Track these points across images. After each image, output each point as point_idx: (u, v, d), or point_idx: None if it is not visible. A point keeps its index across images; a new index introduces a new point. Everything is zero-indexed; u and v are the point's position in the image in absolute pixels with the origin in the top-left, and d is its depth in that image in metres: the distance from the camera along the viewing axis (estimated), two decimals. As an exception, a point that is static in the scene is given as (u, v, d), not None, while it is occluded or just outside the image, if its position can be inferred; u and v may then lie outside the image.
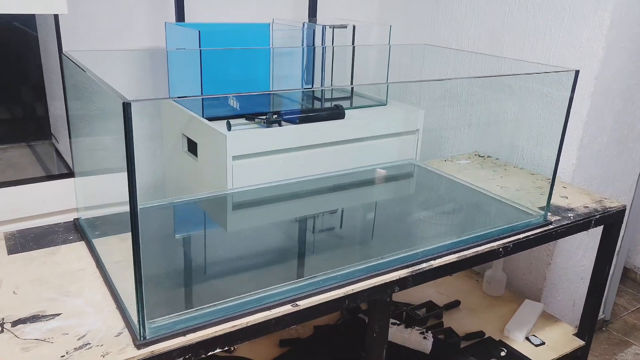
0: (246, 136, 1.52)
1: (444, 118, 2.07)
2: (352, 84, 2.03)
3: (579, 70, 1.28)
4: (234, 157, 1.48)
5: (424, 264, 1.17)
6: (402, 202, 1.61)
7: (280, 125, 1.61)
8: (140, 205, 0.80)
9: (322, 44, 1.97)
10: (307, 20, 2.03)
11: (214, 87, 1.86)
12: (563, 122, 1.32)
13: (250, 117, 1.63)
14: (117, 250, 1.04)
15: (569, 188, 1.68)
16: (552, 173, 1.38)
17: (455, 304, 1.85)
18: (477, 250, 1.25)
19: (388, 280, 1.11)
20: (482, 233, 1.30)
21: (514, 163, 1.96)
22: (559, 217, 1.45)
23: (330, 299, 1.04)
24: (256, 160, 1.55)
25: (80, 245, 1.17)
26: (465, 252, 1.23)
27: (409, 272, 1.14)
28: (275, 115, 1.59)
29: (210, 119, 1.62)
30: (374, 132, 1.74)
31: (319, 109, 1.71)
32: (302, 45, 1.95)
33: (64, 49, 1.37)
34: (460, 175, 1.73)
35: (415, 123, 1.84)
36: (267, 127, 1.59)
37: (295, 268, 1.19)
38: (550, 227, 1.39)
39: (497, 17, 1.89)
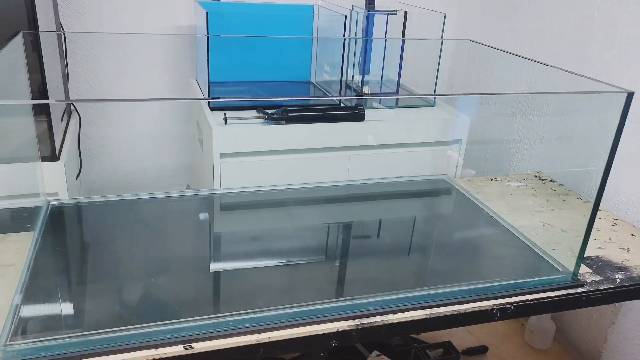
0: (240, 132, 1.37)
1: (505, 129, 1.74)
2: (399, 79, 1.78)
3: (633, 93, 0.94)
4: (222, 155, 1.35)
5: (378, 317, 0.95)
6: (399, 230, 1.33)
7: (287, 122, 1.43)
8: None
9: (368, 31, 1.75)
10: (356, 4, 1.81)
11: (237, 73, 1.74)
12: (610, 146, 1.00)
13: (262, 110, 1.48)
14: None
15: (639, 238, 1.31)
16: (590, 214, 1.06)
17: (481, 350, 1.56)
18: (459, 309, 0.99)
19: (323, 332, 0.91)
20: (476, 287, 1.03)
21: (581, 193, 1.59)
22: (600, 278, 1.12)
23: (237, 345, 0.87)
24: (251, 160, 1.39)
25: None
26: (440, 310, 0.98)
27: (353, 325, 0.93)
28: (280, 112, 1.42)
29: (215, 109, 1.49)
30: (401, 139, 1.49)
31: (334, 106, 1.50)
32: (346, 32, 1.74)
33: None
34: (500, 202, 1.43)
35: (458, 131, 1.55)
36: (271, 124, 1.43)
37: (212, 301, 1.02)
38: (580, 290, 1.07)
39: (586, 6, 1.51)
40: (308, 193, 1.38)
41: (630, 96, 0.94)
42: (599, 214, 1.38)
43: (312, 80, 1.86)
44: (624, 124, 0.96)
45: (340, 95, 1.64)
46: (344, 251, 1.20)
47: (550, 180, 1.60)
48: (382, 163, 1.50)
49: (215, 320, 0.87)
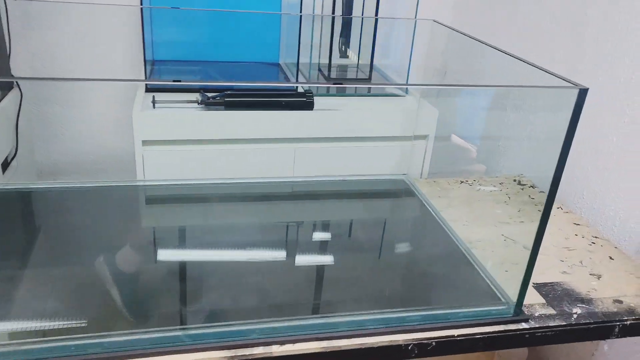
0: (168, 118, 1.23)
1: (485, 125, 1.54)
2: (372, 63, 1.59)
3: (587, 89, 0.75)
4: (146, 142, 1.21)
5: (261, 348, 0.80)
6: (325, 240, 1.14)
7: (225, 108, 1.28)
8: None
9: (347, 10, 1.57)
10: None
11: (195, 51, 1.59)
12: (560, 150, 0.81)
13: (203, 94, 1.33)
14: None
15: (618, 263, 1.10)
16: (537, 229, 0.88)
17: (440, 373, 1.39)
18: (364, 343, 0.83)
19: (188, 363, 0.77)
20: (389, 316, 0.87)
21: (564, 202, 1.39)
22: (553, 312, 0.93)
23: None
24: (182, 149, 1.25)
25: None
26: (341, 342, 0.82)
27: (227, 356, 0.78)
28: (219, 96, 1.26)
29: (153, 90, 1.35)
30: (357, 132, 1.32)
31: (282, 93, 1.34)
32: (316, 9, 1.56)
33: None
34: (463, 209, 1.25)
35: (425, 126, 1.37)
36: (207, 109, 1.28)
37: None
38: (523, 326, 0.89)
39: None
40: (244, 189, 1.23)
41: (583, 92, 0.75)
42: (577, 229, 1.18)
43: (281, 62, 1.69)
44: (576, 123, 0.77)
45: (297, 81, 1.47)
46: (252, 267, 1.04)
47: (531, 187, 1.40)
48: (334, 159, 1.33)
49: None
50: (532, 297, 0.97)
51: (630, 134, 1.20)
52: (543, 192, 1.33)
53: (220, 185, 1.21)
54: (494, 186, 1.39)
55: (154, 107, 1.25)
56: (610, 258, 1.11)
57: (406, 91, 1.52)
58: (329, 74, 1.55)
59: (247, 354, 0.79)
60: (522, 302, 0.90)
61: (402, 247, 1.14)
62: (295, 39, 1.60)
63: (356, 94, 1.53)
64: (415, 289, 0.99)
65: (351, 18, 1.64)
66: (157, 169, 1.23)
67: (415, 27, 1.42)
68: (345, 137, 1.33)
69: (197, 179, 1.20)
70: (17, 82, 1.54)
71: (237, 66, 1.60)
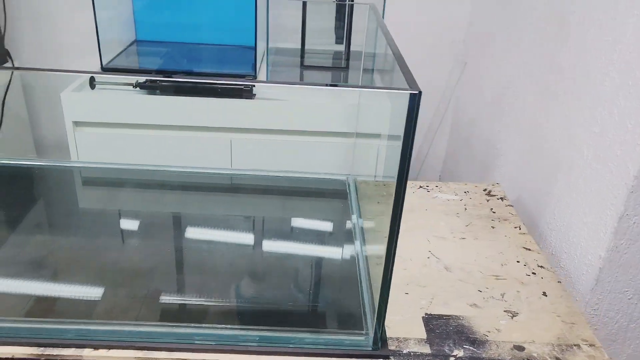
0: (99, 100, 1.22)
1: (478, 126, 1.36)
2: (348, 49, 1.47)
3: (419, 93, 0.60)
4: (77, 124, 1.21)
5: (72, 349, 0.76)
6: (222, 240, 1.06)
7: (161, 93, 1.24)
8: None
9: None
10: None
11: (170, 32, 1.57)
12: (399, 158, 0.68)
13: (155, 76, 1.31)
14: None
15: (550, 301, 0.92)
16: (385, 256, 0.75)
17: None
18: (186, 359, 0.76)
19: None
20: (223, 333, 0.79)
21: (534, 219, 1.20)
22: (427, 351, 0.80)
23: None
24: (115, 132, 1.24)
25: None
26: (158, 355, 0.76)
27: (36, 353, 0.75)
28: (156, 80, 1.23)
29: (109, 70, 1.34)
30: (297, 126, 1.22)
31: (217, 77, 1.27)
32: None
33: None
34: (403, 218, 1.11)
35: (378, 123, 1.24)
36: (142, 93, 1.25)
37: None
38: (378, 363, 0.77)
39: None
40: (173, 177, 1.19)
41: (414, 97, 0.61)
42: (523, 255, 1.01)
43: (271, 45, 1.62)
44: (410, 128, 0.63)
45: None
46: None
47: (501, 198, 1.22)
48: (275, 153, 1.24)
49: None
50: (415, 330, 0.84)
51: (599, 146, 0.99)
52: (511, 205, 1.16)
53: (149, 171, 1.19)
54: (456, 194, 1.23)
55: (92, 88, 1.24)
56: (544, 294, 0.93)
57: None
58: (302, 61, 1.46)
59: (56, 354, 0.76)
60: (380, 335, 0.78)
61: (291, 255, 1.03)
62: (273, 21, 1.52)
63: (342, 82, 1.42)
64: (272, 305, 0.89)
65: (345, 3, 1.52)
66: (90, 151, 1.22)
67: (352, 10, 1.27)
68: (286, 129, 1.24)
69: (126, 163, 1.18)
70: (10, 57, 1.62)
71: (210, 49, 1.55)
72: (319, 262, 1.01)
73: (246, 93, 1.22)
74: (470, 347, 0.81)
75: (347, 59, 1.47)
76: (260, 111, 1.23)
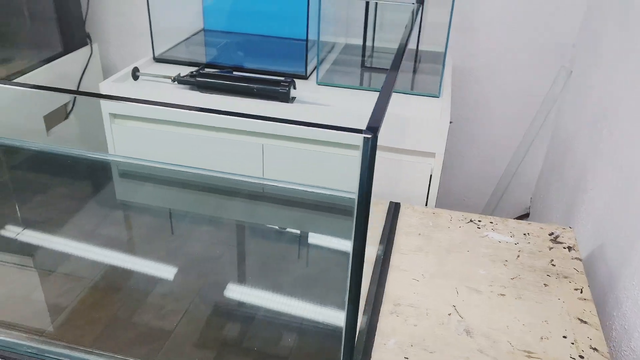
0: (134, 93, 1.18)
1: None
2: (402, 50, 1.29)
3: (372, 138, 0.45)
4: (114, 116, 1.19)
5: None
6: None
7: (197, 89, 1.18)
8: None
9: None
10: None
11: (235, 22, 1.50)
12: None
13: (199, 69, 1.25)
14: None
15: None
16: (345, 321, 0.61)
17: None
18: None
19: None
20: None
21: (616, 280, 0.97)
22: None
23: None
24: (148, 127, 1.20)
25: None
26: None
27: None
28: (192, 75, 1.17)
29: (161, 61, 1.31)
30: (332, 137, 1.10)
31: (254, 79, 1.16)
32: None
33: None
34: (434, 258, 0.95)
35: (432, 140, 1.06)
36: (179, 87, 1.19)
37: None
38: None
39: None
40: (202, 179, 1.13)
41: (369, 141, 0.46)
42: (581, 329, 0.81)
43: (312, 38, 1.49)
44: (366, 174, 0.48)
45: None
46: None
47: (568, 248, 1.00)
48: (302, 162, 1.13)
49: None
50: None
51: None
52: (579, 259, 0.95)
53: (180, 170, 1.14)
54: (512, 235, 1.03)
55: (134, 78, 1.21)
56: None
57: (439, 92, 1.20)
58: (362, 61, 1.31)
59: (6, 367, 0.72)
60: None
61: (282, 287, 0.91)
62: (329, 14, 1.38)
63: (369, 88, 1.26)
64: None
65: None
66: (125, 143, 1.20)
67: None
68: (322, 139, 1.11)
69: (159, 161, 1.14)
70: (90, 40, 1.67)
71: (272, 42, 1.46)
72: (308, 300, 0.89)
73: (283, 96, 1.12)
74: None
75: (416, 61, 1.29)
76: (297, 116, 1.12)
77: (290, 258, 0.98)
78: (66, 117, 1.63)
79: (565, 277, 0.92)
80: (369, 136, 0.46)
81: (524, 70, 1.64)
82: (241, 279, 0.90)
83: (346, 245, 1.01)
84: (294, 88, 1.15)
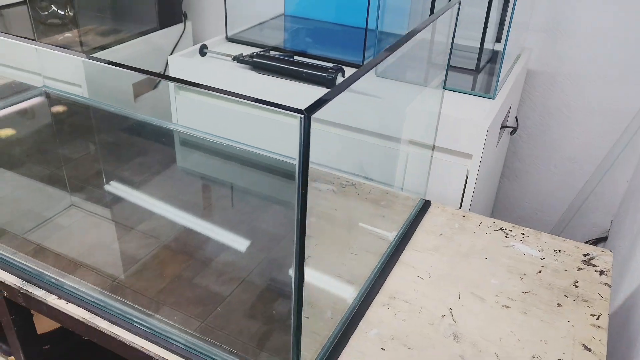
0: (198, 67, 1.27)
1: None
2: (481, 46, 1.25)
3: (305, 117, 0.47)
4: (179, 88, 1.29)
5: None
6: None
7: (254, 69, 1.24)
8: None
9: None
10: None
11: (313, 9, 1.54)
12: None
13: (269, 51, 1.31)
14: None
15: None
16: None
17: None
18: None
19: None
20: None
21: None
22: None
23: None
24: (209, 101, 1.29)
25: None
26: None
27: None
28: (250, 55, 1.23)
29: (233, 41, 1.39)
30: (373, 127, 1.10)
31: (306, 64, 1.18)
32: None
33: None
34: (447, 261, 0.94)
35: (468, 141, 1.03)
36: (237, 67, 1.26)
37: None
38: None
39: None
40: (250, 156, 1.20)
41: (304, 120, 0.48)
42: (583, 357, 0.78)
43: (374, 28, 1.48)
44: (302, 153, 0.50)
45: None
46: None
47: (600, 272, 0.93)
48: (347, 152, 1.14)
49: None
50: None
51: None
52: (608, 285, 0.89)
53: (231, 145, 1.21)
54: (540, 250, 0.97)
55: (201, 54, 1.30)
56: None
57: (494, 94, 1.14)
58: (429, 57, 1.29)
59: (31, 291, 0.84)
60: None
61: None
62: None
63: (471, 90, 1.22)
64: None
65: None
66: (187, 114, 1.29)
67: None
68: (364, 129, 1.12)
69: (215, 135, 1.22)
70: (185, 17, 1.81)
71: (344, 31, 1.48)
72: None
73: (329, 82, 1.14)
74: None
75: (489, 61, 1.24)
76: (341, 104, 1.13)
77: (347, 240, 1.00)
78: (154, 87, 1.78)
79: (585, 301, 0.86)
80: (302, 115, 0.48)
81: (614, 85, 1.51)
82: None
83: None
84: (343, 76, 1.16)
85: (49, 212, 1.03)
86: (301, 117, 0.48)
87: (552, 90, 1.59)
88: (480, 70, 1.28)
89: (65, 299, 0.82)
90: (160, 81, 1.79)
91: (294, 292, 0.59)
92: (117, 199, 1.11)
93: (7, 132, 1.34)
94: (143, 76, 1.73)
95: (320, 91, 1.15)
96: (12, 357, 1.23)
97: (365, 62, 1.30)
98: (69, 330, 0.82)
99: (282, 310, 0.85)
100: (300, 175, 0.51)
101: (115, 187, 1.14)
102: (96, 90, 1.53)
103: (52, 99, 1.42)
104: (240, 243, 1.02)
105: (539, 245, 0.98)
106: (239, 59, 1.25)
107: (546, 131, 1.65)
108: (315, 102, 0.51)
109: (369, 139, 1.15)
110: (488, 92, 1.16)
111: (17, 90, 1.44)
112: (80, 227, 1.02)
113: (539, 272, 0.92)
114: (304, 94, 1.17)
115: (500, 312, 0.83)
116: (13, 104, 1.37)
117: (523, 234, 1.01)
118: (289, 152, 1.14)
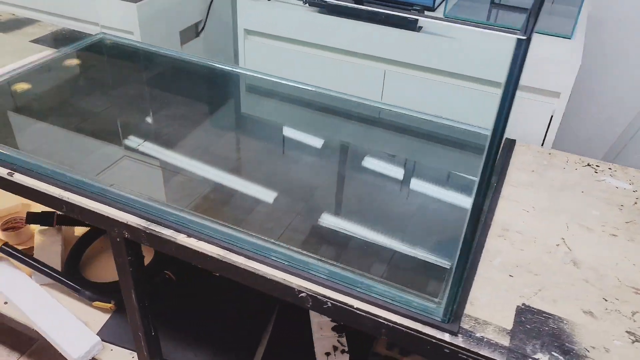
0: (269, 12, 1.25)
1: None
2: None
3: (529, 39, 0.48)
4: (248, 32, 1.27)
5: (168, 230, 0.84)
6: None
7: (327, 12, 1.23)
8: None
9: None
10: None
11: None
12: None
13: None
14: None
15: None
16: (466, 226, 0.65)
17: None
18: (257, 269, 0.79)
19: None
20: (294, 256, 0.79)
21: None
22: (503, 343, 0.70)
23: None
24: (279, 45, 1.27)
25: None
26: (236, 258, 0.80)
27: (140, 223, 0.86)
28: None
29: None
30: (460, 69, 1.11)
31: (382, 5, 1.17)
32: None
33: None
34: (546, 194, 0.97)
35: (557, 80, 1.05)
36: (310, 10, 1.24)
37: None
38: (437, 335, 0.71)
39: None
40: (324, 99, 1.20)
41: (521, 43, 0.49)
42: None
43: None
44: (512, 78, 0.52)
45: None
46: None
47: (691, 201, 0.97)
48: (430, 93, 1.15)
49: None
50: (501, 317, 0.74)
51: None
52: None
53: (302, 89, 1.21)
54: (631, 183, 1.01)
55: (268, -1, 1.28)
56: (693, 329, 0.73)
57: (571, 34, 1.16)
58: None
59: (158, 231, 0.85)
60: (453, 307, 0.70)
61: (403, 198, 0.96)
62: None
63: (498, 24, 1.24)
64: (358, 239, 0.86)
65: None
66: (255, 59, 1.28)
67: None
68: (445, 70, 1.13)
69: (286, 78, 1.21)
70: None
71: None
72: (430, 211, 0.94)
73: (411, 24, 1.14)
74: (560, 356, 0.68)
75: (552, 1, 1.25)
76: (421, 46, 1.14)
77: (397, 187, 1.02)
78: (197, 35, 1.75)
79: (684, 228, 0.91)
80: (523, 38, 0.49)
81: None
82: (347, 202, 0.96)
83: (459, 178, 1.04)
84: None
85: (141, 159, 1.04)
86: (519, 39, 0.49)
87: (606, 30, 1.60)
88: (551, 11, 1.29)
89: (196, 237, 0.83)
90: (202, 29, 1.75)
91: (468, 225, 0.62)
92: (171, 142, 1.10)
93: (74, 67, 1.30)
94: (189, 23, 1.70)
95: (399, 33, 1.15)
96: (111, 304, 1.26)
97: (435, 4, 1.29)
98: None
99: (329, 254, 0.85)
100: (507, 101, 0.52)
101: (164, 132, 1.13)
102: (149, 39, 1.50)
103: (108, 46, 1.39)
104: (282, 187, 1.01)
105: (628, 179, 1.02)
106: (310, 2, 1.23)
107: (602, 67, 1.67)
108: (526, 24, 0.51)
109: (452, 80, 1.16)
110: (566, 32, 1.17)
111: (74, 37, 1.41)
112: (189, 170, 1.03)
113: (635, 203, 0.96)
114: (383, 37, 1.17)
115: (609, 240, 0.88)
116: (74, 50, 1.35)
117: (610, 168, 1.05)
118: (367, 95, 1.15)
